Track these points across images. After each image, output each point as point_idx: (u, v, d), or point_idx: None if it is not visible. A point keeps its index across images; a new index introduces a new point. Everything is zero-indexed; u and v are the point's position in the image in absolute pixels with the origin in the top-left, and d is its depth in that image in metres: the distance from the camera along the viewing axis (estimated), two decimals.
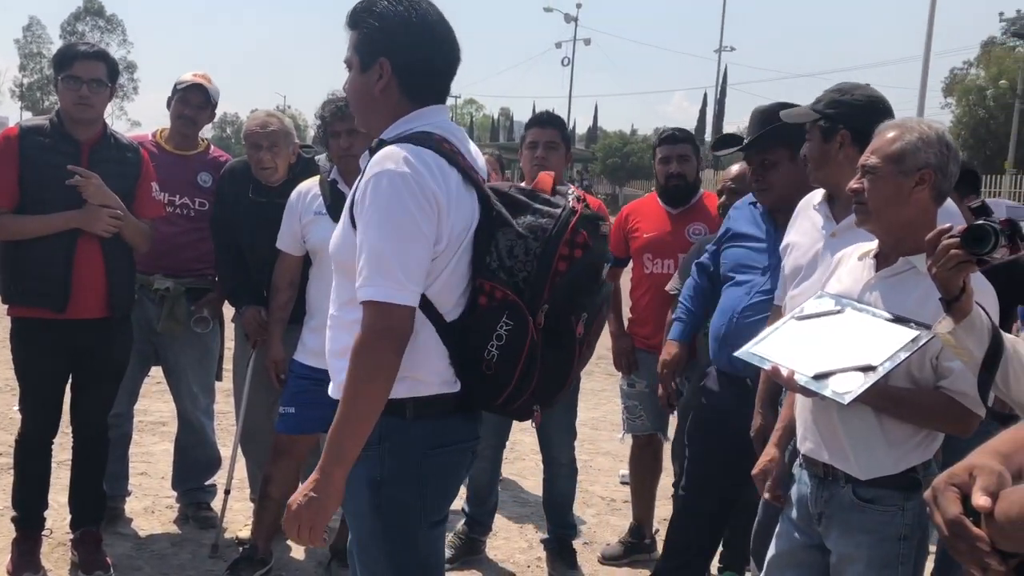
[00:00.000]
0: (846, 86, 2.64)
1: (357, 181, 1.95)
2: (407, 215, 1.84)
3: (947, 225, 1.84)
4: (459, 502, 4.50)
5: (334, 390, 2.00)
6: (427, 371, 1.95)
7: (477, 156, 2.12)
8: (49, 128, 3.33)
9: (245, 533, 3.88)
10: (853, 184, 2.20)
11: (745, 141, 3.05)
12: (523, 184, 2.22)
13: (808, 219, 2.69)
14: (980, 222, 1.77)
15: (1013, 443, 1.30)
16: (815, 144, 2.55)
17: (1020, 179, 28.96)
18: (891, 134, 2.17)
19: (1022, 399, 1.82)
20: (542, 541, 4.02)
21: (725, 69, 54.70)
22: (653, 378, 3.71)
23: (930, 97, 33.86)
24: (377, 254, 1.84)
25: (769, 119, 2.92)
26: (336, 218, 3.29)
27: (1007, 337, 1.86)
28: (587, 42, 53.62)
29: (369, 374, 1.84)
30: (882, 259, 2.23)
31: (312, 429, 3.43)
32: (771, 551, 2.41)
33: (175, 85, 3.97)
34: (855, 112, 2.49)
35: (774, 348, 2.26)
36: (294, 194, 3.47)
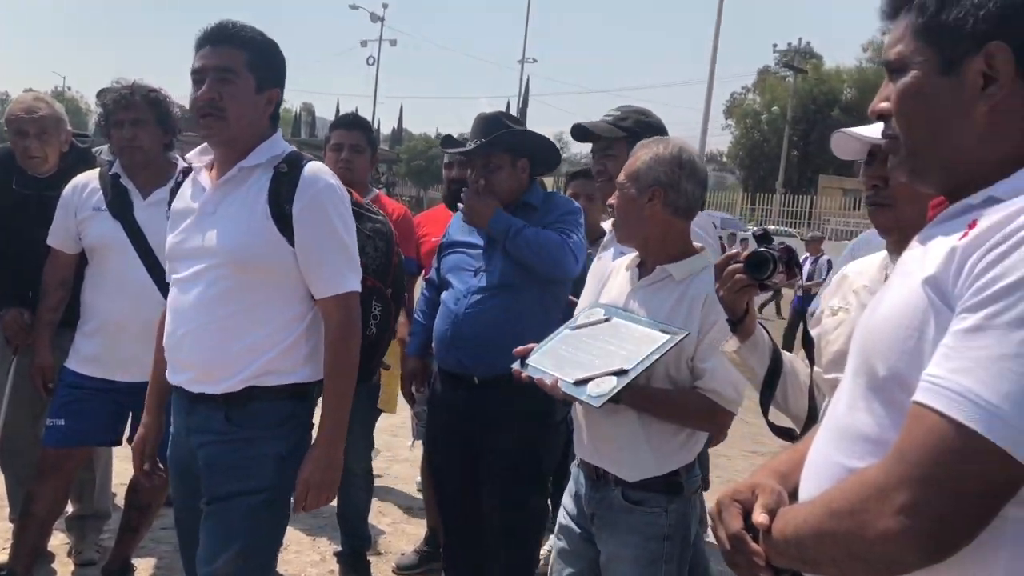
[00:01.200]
0: (639, 109, 2.97)
1: (263, 185, 2.22)
2: (351, 219, 2.32)
3: (734, 251, 1.95)
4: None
5: (211, 386, 2.24)
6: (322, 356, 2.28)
7: None
8: None
9: (2, 558, 3.51)
10: (609, 199, 2.40)
11: (473, 142, 3.13)
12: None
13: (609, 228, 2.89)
14: (761, 249, 1.90)
15: (791, 463, 1.38)
16: (623, 159, 2.67)
17: (788, 198, 31.61)
18: (636, 153, 2.38)
19: (799, 413, 1.95)
20: (335, 554, 3.92)
21: (527, 80, 56.19)
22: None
23: (714, 119, 36.35)
24: (343, 251, 2.26)
25: (494, 125, 3.10)
26: (118, 215, 3.06)
27: (786, 355, 1.99)
28: (393, 43, 53.35)
29: (357, 352, 2.26)
30: (643, 268, 2.41)
31: (84, 442, 3.17)
32: (556, 544, 2.52)
33: None
34: (653, 135, 2.67)
35: (545, 357, 2.39)
36: (69, 187, 3.18)
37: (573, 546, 2.46)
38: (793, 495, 1.29)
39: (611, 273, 2.54)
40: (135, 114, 3.06)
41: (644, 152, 2.35)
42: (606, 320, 2.37)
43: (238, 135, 2.23)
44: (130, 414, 3.19)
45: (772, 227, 28.16)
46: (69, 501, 3.55)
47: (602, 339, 2.31)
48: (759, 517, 1.23)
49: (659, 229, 2.35)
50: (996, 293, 1.00)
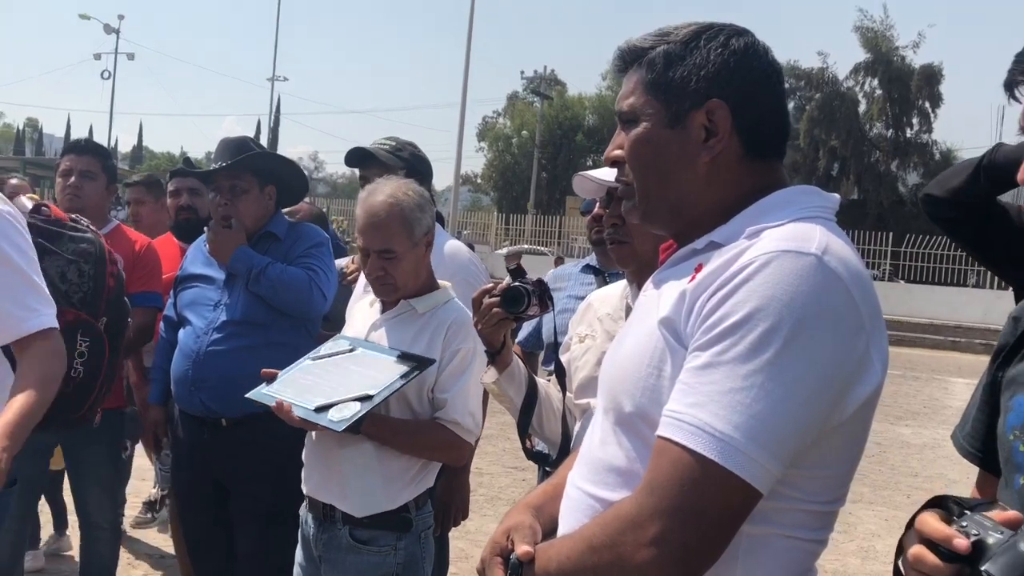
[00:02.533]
0: (408, 141, 3.04)
1: None
2: (31, 248, 2.02)
3: (489, 285, 2.00)
4: None
5: None
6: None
7: None
8: None
9: None
10: (374, 272, 2.32)
11: (217, 164, 3.01)
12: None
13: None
14: (516, 283, 1.95)
15: (544, 495, 1.45)
16: None
17: (539, 219, 32.97)
18: (391, 213, 2.29)
19: (554, 438, 2.04)
20: None
21: (279, 98, 54.82)
22: (134, 419, 3.56)
23: (467, 142, 37.26)
24: (31, 285, 1.98)
25: (241, 149, 3.00)
26: None
27: (540, 383, 2.08)
28: (131, 56, 50.17)
29: (49, 397, 1.94)
30: (385, 303, 2.41)
31: None
32: None
33: None
34: (425, 169, 2.90)
35: (286, 386, 2.33)
36: None
37: None
38: (549, 527, 1.35)
39: (354, 310, 2.56)
40: None
41: (403, 208, 2.29)
42: (351, 350, 2.35)
43: None
44: None
45: (526, 246, 29.24)
46: None
47: (346, 367, 2.29)
48: (522, 549, 1.27)
49: (427, 271, 2.40)
50: (722, 332, 1.10)
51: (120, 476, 3.55)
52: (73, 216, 2.26)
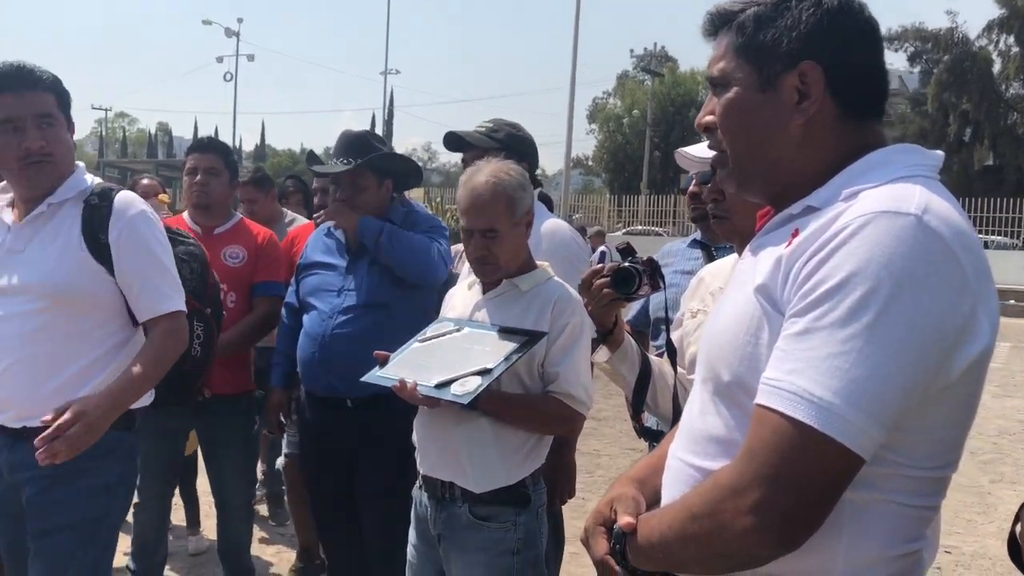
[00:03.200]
0: (511, 122, 3.03)
1: (76, 218, 2.28)
2: (167, 243, 2.43)
3: (599, 266, 2.01)
4: (123, 558, 4.13)
5: (34, 420, 2.15)
6: None
7: None
8: None
9: None
10: (477, 252, 2.35)
11: (340, 161, 3.10)
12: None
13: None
14: (625, 264, 1.95)
15: (648, 468, 1.46)
16: None
17: (653, 198, 32.54)
18: (494, 192, 2.32)
19: (667, 415, 2.03)
20: None
21: (391, 91, 55.94)
22: (261, 402, 3.69)
23: (577, 124, 37.09)
24: (165, 272, 2.36)
25: (361, 144, 3.10)
26: None
27: (653, 360, 2.07)
28: (251, 58, 52.11)
29: (165, 367, 2.31)
30: (486, 285, 2.44)
31: None
32: None
33: None
34: (526, 148, 2.86)
35: (400, 368, 2.38)
36: None
37: None
38: (653, 499, 1.36)
39: (451, 293, 2.60)
40: None
41: (505, 186, 2.32)
42: (457, 330, 2.38)
43: (63, 173, 2.31)
44: None
45: (639, 227, 28.92)
46: None
47: (458, 345, 2.32)
48: (624, 520, 1.29)
49: (525, 251, 2.42)
50: (819, 297, 1.08)
51: (251, 457, 3.73)
52: (173, 227, 2.65)
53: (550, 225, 2.93)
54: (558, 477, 2.83)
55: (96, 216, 2.28)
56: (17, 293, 2.25)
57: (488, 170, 2.35)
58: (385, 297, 2.98)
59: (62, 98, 2.31)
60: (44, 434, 2.07)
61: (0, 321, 2.26)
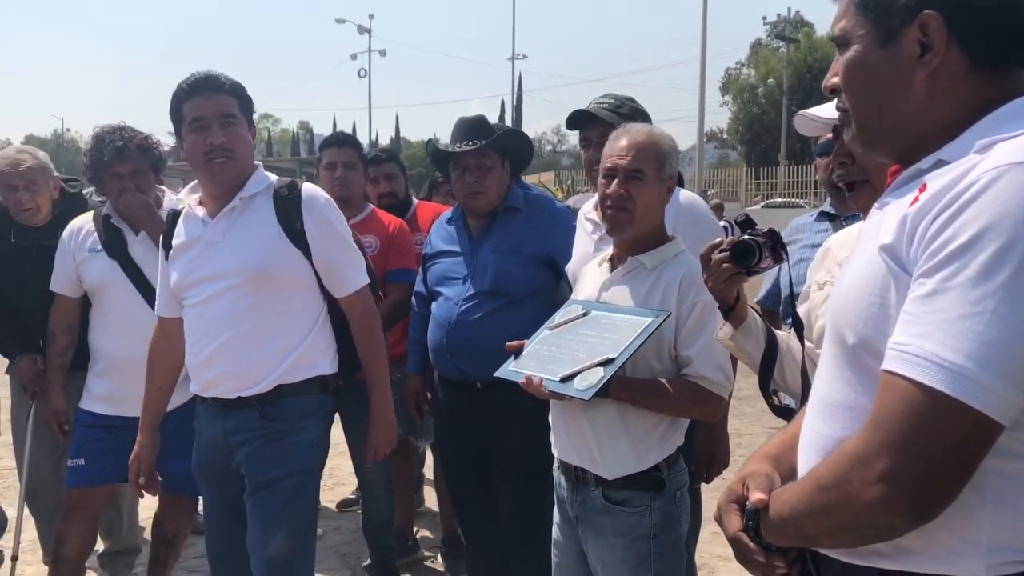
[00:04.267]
0: (627, 96, 2.99)
1: (269, 209, 2.58)
2: (348, 226, 2.77)
3: (718, 240, 1.95)
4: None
5: (245, 390, 2.54)
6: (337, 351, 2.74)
7: None
8: None
9: None
10: (617, 189, 2.29)
11: (464, 144, 3.12)
12: None
13: (582, 226, 2.91)
14: (744, 237, 1.88)
15: (782, 445, 1.42)
16: None
17: (793, 169, 31.44)
18: (648, 139, 2.30)
19: (796, 390, 1.96)
20: (364, 567, 3.95)
21: (520, 76, 56.19)
22: (399, 385, 3.78)
23: (710, 97, 36.19)
24: (353, 254, 2.70)
25: (479, 126, 3.13)
26: (114, 254, 3.11)
27: (780, 335, 2.00)
28: (383, 53, 53.42)
29: (382, 336, 2.77)
30: (615, 261, 2.39)
31: (106, 480, 3.21)
32: (554, 559, 2.50)
33: None
34: (648, 121, 2.76)
35: (529, 360, 2.38)
36: (66, 232, 3.24)
37: (567, 561, 2.43)
38: (788, 475, 1.33)
39: (585, 271, 2.54)
40: (132, 166, 3.11)
41: (659, 139, 2.29)
42: (584, 315, 2.34)
43: (244, 169, 2.57)
44: None
45: (778, 199, 27.97)
46: (100, 539, 3.61)
47: (582, 333, 2.29)
48: (755, 497, 1.27)
49: (658, 219, 2.35)
50: (948, 256, 1.02)
51: None
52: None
53: (687, 198, 2.85)
54: (712, 452, 2.79)
55: (288, 206, 2.56)
56: (223, 278, 2.53)
57: (644, 126, 2.36)
58: (507, 285, 3.00)
59: (244, 102, 2.59)
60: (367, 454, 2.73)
61: (209, 305, 2.55)
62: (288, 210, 2.56)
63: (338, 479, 5.31)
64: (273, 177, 2.65)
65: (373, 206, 3.96)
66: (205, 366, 2.59)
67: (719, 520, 1.36)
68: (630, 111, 2.88)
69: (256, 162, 2.68)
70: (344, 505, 4.88)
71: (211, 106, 2.50)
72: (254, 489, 2.54)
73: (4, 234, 3.39)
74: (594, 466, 2.28)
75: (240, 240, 2.54)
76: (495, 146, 3.09)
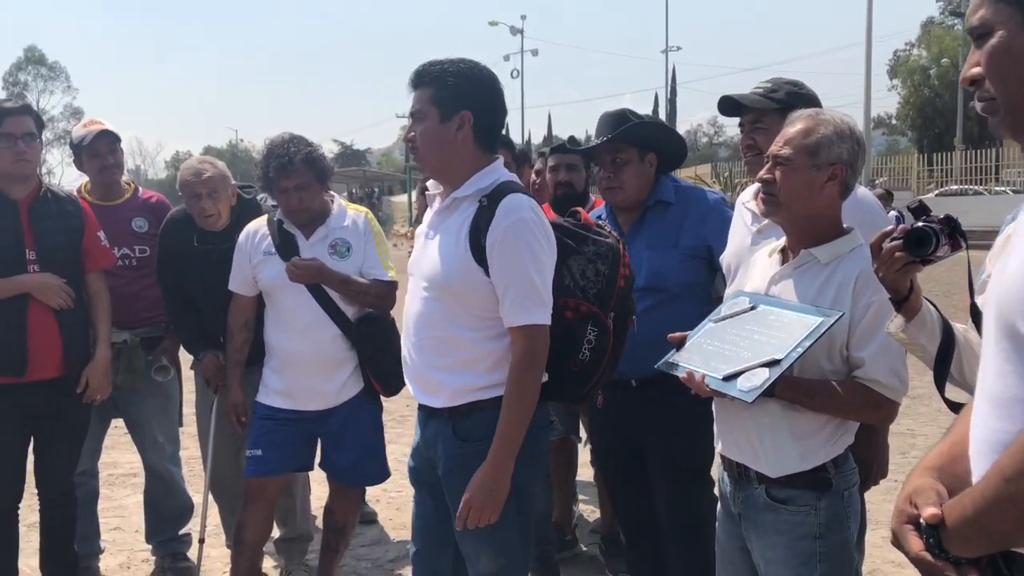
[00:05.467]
0: (791, 80, 2.85)
1: (468, 217, 2.37)
2: (544, 253, 2.35)
3: (889, 228, 1.85)
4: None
5: (433, 399, 2.44)
6: None
7: None
8: None
9: None
10: (764, 174, 2.24)
11: (597, 140, 3.11)
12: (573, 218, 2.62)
13: (739, 215, 2.82)
14: (919, 224, 1.78)
15: (940, 455, 1.38)
16: (774, 133, 2.60)
17: (970, 154, 29.47)
18: (805, 125, 2.22)
19: (974, 385, 1.84)
20: None
21: (673, 68, 55.34)
22: None
23: (876, 81, 34.40)
24: (529, 285, 2.31)
25: (619, 121, 3.07)
26: (286, 257, 3.28)
27: (957, 327, 1.88)
28: (535, 53, 53.97)
29: (536, 382, 2.34)
30: (787, 253, 2.29)
31: (281, 470, 3.40)
32: (717, 555, 2.45)
33: (77, 142, 3.87)
34: (812, 105, 2.61)
35: (692, 353, 2.32)
36: (243, 235, 3.44)
37: (730, 557, 2.38)
38: (953, 486, 1.29)
39: (753, 261, 2.45)
40: (297, 180, 3.25)
41: (819, 125, 2.20)
42: (751, 308, 2.26)
43: (435, 166, 2.46)
44: (318, 440, 3.42)
45: (954, 187, 26.29)
46: (275, 525, 3.82)
47: (748, 329, 2.21)
48: (928, 512, 1.23)
49: (828, 210, 2.23)
50: None
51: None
52: (598, 223, 2.58)
53: (864, 192, 2.71)
54: (871, 457, 2.66)
55: (483, 218, 2.34)
56: (421, 278, 2.46)
57: (809, 111, 2.27)
58: (663, 280, 2.96)
59: (439, 91, 2.36)
60: (459, 514, 2.34)
61: (409, 300, 2.51)
62: (481, 222, 2.34)
63: None
64: (496, 180, 2.40)
65: (595, 198, 3.99)
66: (404, 364, 2.55)
67: (896, 544, 1.31)
68: (787, 95, 2.76)
69: (495, 158, 2.47)
70: None
71: (413, 103, 2.42)
72: (453, 510, 2.41)
73: (188, 239, 3.65)
74: (756, 463, 2.23)
75: (438, 243, 2.43)
76: (630, 140, 3.04)
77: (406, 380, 2.57)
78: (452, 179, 2.43)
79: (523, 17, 53.31)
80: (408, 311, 2.50)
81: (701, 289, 2.99)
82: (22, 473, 3.41)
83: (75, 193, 3.67)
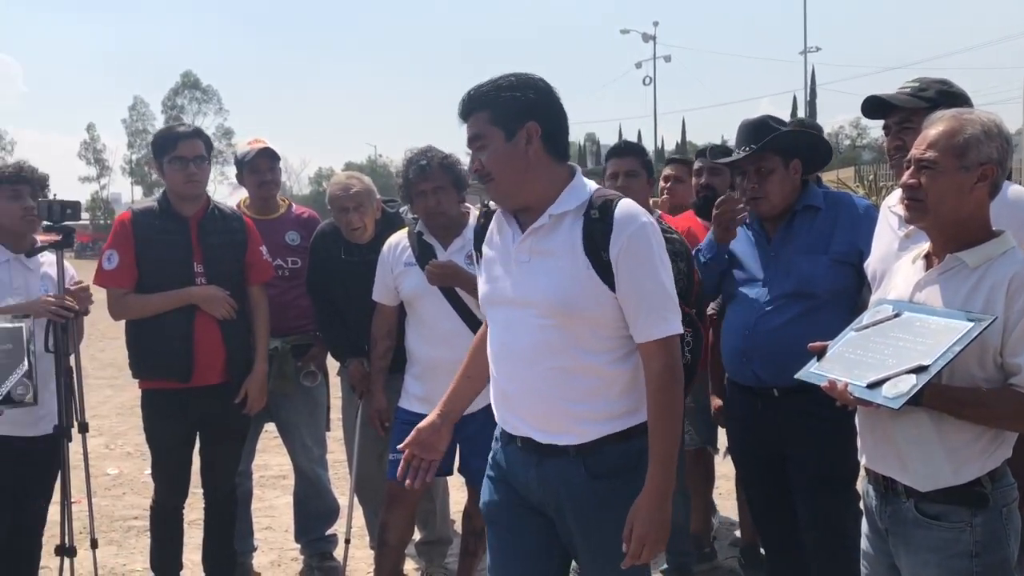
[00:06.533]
0: (939, 79, 2.74)
1: (577, 232, 2.16)
2: (667, 256, 2.21)
3: None
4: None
5: (559, 437, 2.21)
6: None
7: None
8: (157, 209, 3.58)
9: None
10: (908, 179, 2.15)
11: (740, 151, 3.05)
12: None
13: (885, 220, 2.72)
14: None
15: None
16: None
17: None
18: (949, 125, 2.12)
19: None
20: (661, 571, 3.96)
21: (812, 70, 53.48)
22: (698, 394, 3.77)
23: None
24: (664, 293, 2.16)
25: (760, 129, 3.01)
26: (425, 267, 3.39)
27: None
28: (667, 59, 53.27)
29: (681, 396, 2.18)
30: (931, 259, 2.20)
31: None
32: (863, 572, 2.35)
33: (240, 159, 4.12)
34: (963, 104, 2.51)
35: (833, 363, 2.24)
36: (385, 247, 3.57)
37: (876, 573, 2.28)
38: None
39: (897, 267, 2.36)
40: (434, 183, 3.36)
41: (964, 125, 2.10)
42: (895, 316, 2.18)
43: (514, 190, 2.21)
44: (457, 446, 3.50)
45: None
46: (416, 528, 3.93)
47: (893, 336, 2.13)
48: None
49: (977, 212, 2.12)
50: None
51: (681, 443, 3.84)
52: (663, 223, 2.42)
53: (1015, 193, 2.58)
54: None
55: (597, 231, 2.15)
56: (521, 306, 2.22)
57: (951, 111, 2.17)
58: (812, 284, 2.90)
59: (497, 110, 2.17)
60: (631, 552, 2.11)
61: (504, 331, 2.27)
62: (597, 236, 2.15)
63: None
64: (591, 191, 2.23)
65: (660, 212, 3.98)
66: (504, 401, 2.31)
67: None
68: (937, 94, 2.63)
69: (575, 167, 2.30)
70: None
71: (467, 131, 2.23)
72: (592, 558, 2.26)
73: (335, 251, 3.83)
74: (904, 476, 2.13)
75: (545, 266, 2.19)
76: (773, 148, 2.99)
77: (500, 414, 2.35)
78: (534, 198, 2.21)
79: (655, 23, 52.83)
80: (514, 345, 2.24)
81: (848, 297, 2.90)
82: (188, 473, 3.66)
83: (236, 208, 3.93)
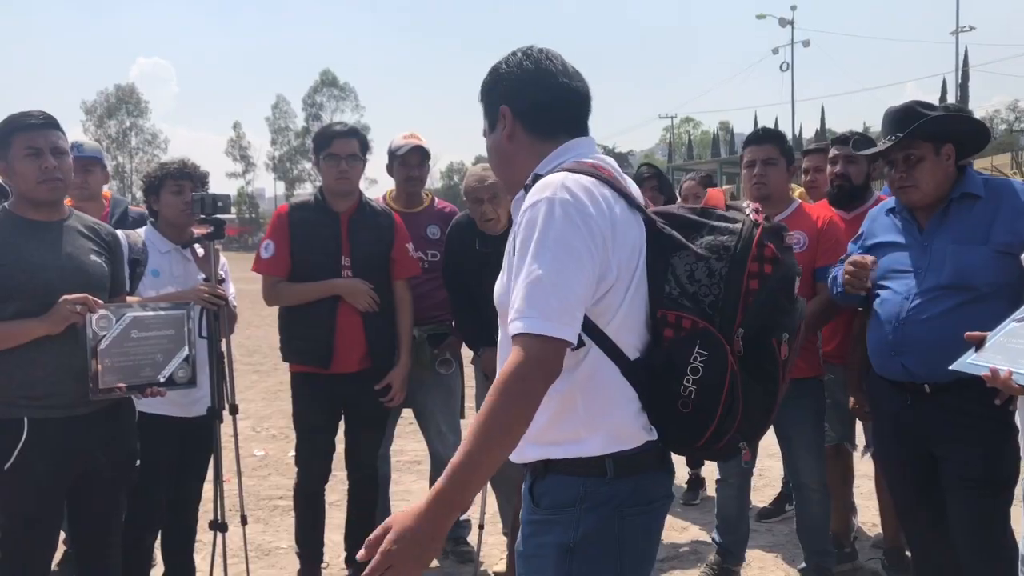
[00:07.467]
0: None
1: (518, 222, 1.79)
2: (566, 244, 1.66)
3: None
4: (700, 533, 4.44)
5: (527, 453, 1.82)
6: (619, 420, 1.76)
7: (632, 186, 1.90)
8: (312, 204, 3.80)
9: (501, 567, 4.03)
10: None
11: (886, 139, 2.90)
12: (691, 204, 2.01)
13: None
14: None
15: None
16: None
17: None
18: None
19: None
20: (800, 570, 3.86)
21: (965, 51, 50.55)
22: (835, 390, 3.69)
23: None
24: (532, 284, 1.64)
25: (907, 116, 2.86)
26: None
27: None
28: (806, 44, 51.51)
29: (508, 411, 1.59)
30: None
31: None
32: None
33: (392, 151, 4.23)
34: None
35: (994, 353, 2.14)
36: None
37: None
38: None
39: None
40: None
41: None
42: None
43: (507, 182, 2.01)
44: None
45: None
46: None
47: None
48: None
49: None
50: None
51: (820, 435, 3.72)
52: (734, 204, 1.89)
53: None
54: None
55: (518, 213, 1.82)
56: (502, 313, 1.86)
57: None
58: (971, 276, 2.73)
59: (482, 104, 2.00)
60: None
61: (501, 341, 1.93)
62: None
63: (768, 480, 5.25)
64: (558, 163, 1.86)
65: (800, 202, 3.86)
66: None
67: None
68: None
69: (565, 138, 1.90)
70: (763, 516, 4.84)
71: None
72: None
73: (470, 242, 3.90)
74: None
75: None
76: (922, 135, 2.83)
77: None
78: (519, 187, 1.90)
79: (793, 8, 51.11)
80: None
81: (1012, 291, 2.70)
82: (330, 455, 3.83)
83: (383, 202, 4.07)
